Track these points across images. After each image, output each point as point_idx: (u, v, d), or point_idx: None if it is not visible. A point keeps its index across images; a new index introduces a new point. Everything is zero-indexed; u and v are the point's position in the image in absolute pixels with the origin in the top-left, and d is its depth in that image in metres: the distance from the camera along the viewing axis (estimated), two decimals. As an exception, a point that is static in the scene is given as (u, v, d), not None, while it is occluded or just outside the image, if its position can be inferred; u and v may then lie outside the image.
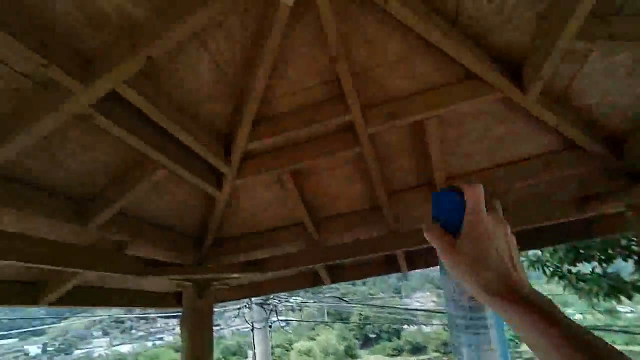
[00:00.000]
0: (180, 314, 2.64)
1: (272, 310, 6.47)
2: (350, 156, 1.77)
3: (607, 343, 0.38)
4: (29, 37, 0.85)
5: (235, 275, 2.42)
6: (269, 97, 1.51)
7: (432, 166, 1.69)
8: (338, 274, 2.81)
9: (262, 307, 6.39)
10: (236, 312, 6.76)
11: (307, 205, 2.02)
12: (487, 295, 0.45)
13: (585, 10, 0.99)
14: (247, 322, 6.55)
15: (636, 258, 4.61)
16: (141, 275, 1.92)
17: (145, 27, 1.03)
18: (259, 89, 1.39)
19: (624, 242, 4.71)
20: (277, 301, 6.79)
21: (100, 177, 1.45)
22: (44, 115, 1.01)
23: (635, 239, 4.36)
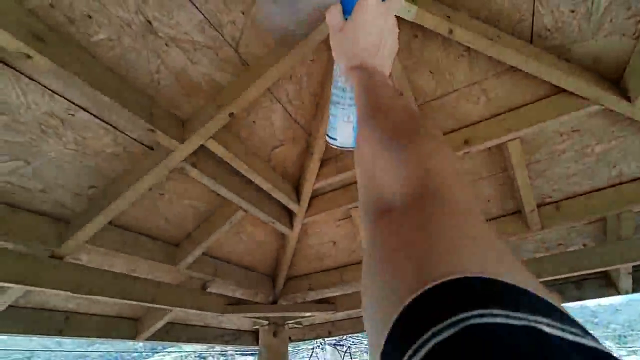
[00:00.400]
0: (256, 351, 2.67)
1: (345, 352, 6.19)
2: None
3: (393, 97, 0.44)
4: (140, 109, 1.02)
5: (308, 314, 2.40)
6: (336, 136, 1.55)
7: (519, 192, 1.52)
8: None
9: (334, 347, 6.16)
10: (309, 352, 6.61)
11: (379, 241, 1.95)
12: (345, 71, 0.54)
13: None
14: (320, 363, 6.35)
15: None
16: (221, 312, 2.01)
17: (227, 89, 1.17)
18: (324, 130, 1.44)
19: None
20: (351, 342, 6.49)
21: (189, 221, 1.60)
22: (149, 171, 1.18)
23: None
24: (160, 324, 1.96)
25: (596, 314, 39.46)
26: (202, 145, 1.22)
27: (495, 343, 0.12)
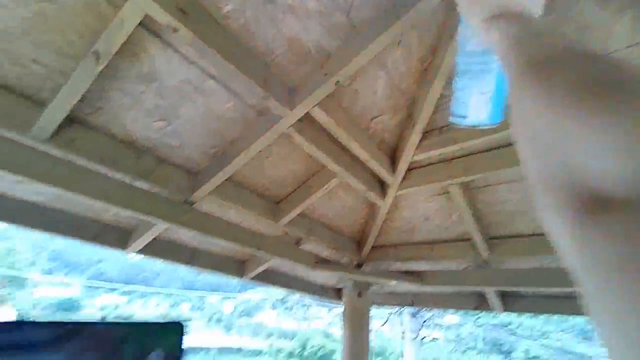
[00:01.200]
0: (332, 306, 2.87)
1: (424, 323, 6.19)
2: (540, 168, 1.46)
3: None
4: (257, 76, 1.10)
5: (392, 282, 2.43)
6: (442, 107, 1.43)
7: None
8: (512, 302, 2.39)
9: (414, 317, 6.20)
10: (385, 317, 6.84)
11: (478, 221, 1.81)
12: (483, 23, 0.42)
13: None
14: (400, 328, 6.51)
15: None
16: (312, 267, 2.19)
17: (335, 57, 1.16)
18: (432, 99, 1.34)
19: None
20: (431, 314, 6.45)
21: (289, 183, 1.73)
22: (261, 136, 1.29)
23: None
24: (261, 269, 2.25)
25: None
26: (307, 114, 1.26)
27: None
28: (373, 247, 2.32)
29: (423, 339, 6.49)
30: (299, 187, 1.76)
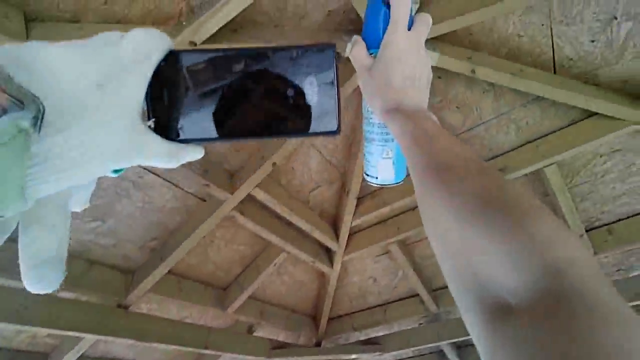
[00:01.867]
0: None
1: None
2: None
3: (452, 144, 0.37)
4: (197, 167, 1.15)
5: (354, 356, 2.32)
6: (370, 174, 1.62)
7: (564, 217, 1.48)
8: (469, 353, 2.43)
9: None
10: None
11: (420, 275, 1.92)
12: (382, 115, 0.48)
13: None
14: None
15: None
16: (267, 357, 2.01)
17: (270, 142, 1.29)
18: (360, 168, 1.51)
19: None
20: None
21: (236, 266, 1.69)
22: (203, 222, 1.29)
23: None
24: (209, 370, 1.99)
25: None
26: (248, 194, 1.32)
27: None
28: (329, 320, 2.26)
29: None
30: (246, 268, 1.72)
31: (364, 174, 0.62)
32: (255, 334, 2.05)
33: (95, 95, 0.22)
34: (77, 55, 0.22)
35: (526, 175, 1.47)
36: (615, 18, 1.02)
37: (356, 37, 0.50)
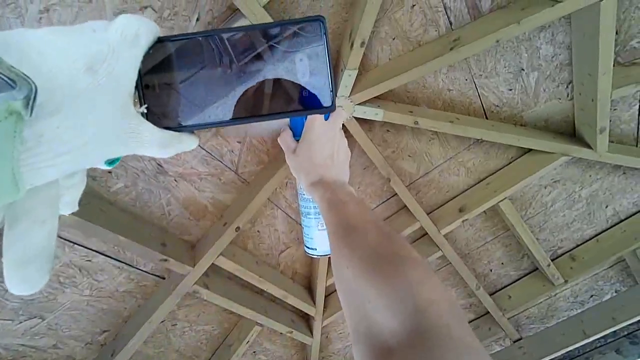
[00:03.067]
0: None
1: None
2: (434, 262, 1.68)
3: (360, 211, 0.44)
4: (153, 242, 1.08)
5: None
6: (338, 229, 1.61)
7: (529, 250, 1.52)
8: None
9: None
10: None
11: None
12: (307, 187, 0.56)
13: (605, 65, 1.04)
14: None
15: None
16: None
17: (231, 206, 1.26)
18: (327, 225, 1.51)
19: None
20: None
21: (204, 349, 1.50)
22: (163, 302, 1.17)
23: None
24: None
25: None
26: (212, 265, 1.24)
27: None
28: (317, 400, 2.00)
29: None
30: (217, 350, 1.53)
31: (305, 248, 0.65)
32: None
33: (86, 79, 0.21)
34: (65, 38, 0.21)
35: (485, 212, 1.53)
36: (523, 69, 1.20)
37: (284, 127, 0.62)
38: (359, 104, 1.22)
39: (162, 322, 1.27)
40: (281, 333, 1.66)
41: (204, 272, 1.23)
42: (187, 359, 1.45)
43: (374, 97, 1.26)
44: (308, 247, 0.64)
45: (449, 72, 1.24)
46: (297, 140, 0.60)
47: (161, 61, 0.27)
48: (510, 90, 1.25)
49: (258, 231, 1.43)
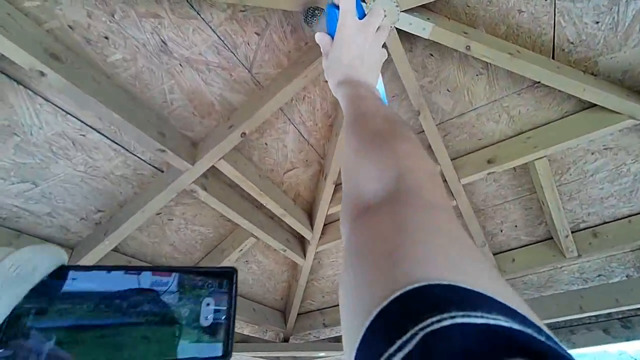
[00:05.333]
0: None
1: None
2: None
3: (377, 106, 0.45)
4: (152, 129, 1.00)
5: (322, 354, 2.21)
6: (350, 159, 1.50)
7: (550, 217, 1.40)
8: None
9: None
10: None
11: (398, 271, 1.82)
12: (333, 88, 0.57)
13: None
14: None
15: None
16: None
17: (240, 110, 1.15)
18: (339, 151, 1.39)
19: None
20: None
21: (197, 249, 1.53)
22: (158, 194, 1.13)
23: None
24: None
25: None
26: (213, 168, 1.18)
27: (452, 342, 0.13)
28: (299, 315, 2.13)
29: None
30: (209, 253, 1.56)
31: None
32: (217, 325, 1.90)
33: None
34: None
35: (514, 169, 1.39)
36: (625, -4, 0.94)
37: (321, 32, 0.61)
38: (405, 11, 1.01)
39: (158, 214, 1.27)
40: (275, 249, 1.67)
41: (203, 173, 1.17)
42: (181, 254, 1.49)
43: (425, 6, 1.04)
44: None
45: (527, -15, 0.98)
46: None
47: (49, 297, 0.25)
48: (597, 23, 1.00)
49: (265, 143, 1.34)
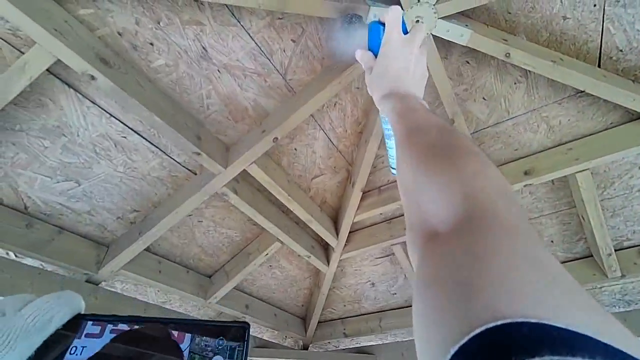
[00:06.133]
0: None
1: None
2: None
3: (428, 118, 0.43)
4: (189, 132, 1.02)
5: (342, 364, 2.17)
6: (378, 167, 1.49)
7: (592, 233, 1.33)
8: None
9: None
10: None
11: (423, 283, 1.77)
12: (379, 100, 0.55)
13: None
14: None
15: None
16: (251, 355, 1.86)
17: (272, 115, 1.16)
18: (369, 159, 1.38)
19: None
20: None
21: (224, 252, 1.55)
22: (191, 196, 1.16)
23: None
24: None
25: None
26: (243, 172, 1.19)
27: None
28: (319, 323, 2.11)
29: None
30: (235, 256, 1.58)
31: (390, 167, 0.67)
32: (238, 329, 1.91)
33: None
34: None
35: (553, 181, 1.32)
36: (683, 1, 0.89)
37: (361, 49, 0.61)
38: (443, 17, 0.99)
39: (189, 215, 1.29)
40: (299, 255, 1.67)
41: (235, 177, 1.19)
42: (208, 256, 1.51)
43: (463, 13, 1.02)
44: (393, 168, 0.66)
45: (574, -10, 0.95)
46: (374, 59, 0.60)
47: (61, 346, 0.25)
48: (649, 30, 0.95)
49: (295, 149, 1.34)
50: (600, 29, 0.99)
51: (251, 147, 1.13)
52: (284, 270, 1.80)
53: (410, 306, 1.91)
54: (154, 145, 1.09)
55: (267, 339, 2.04)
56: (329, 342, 2.17)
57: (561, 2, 0.97)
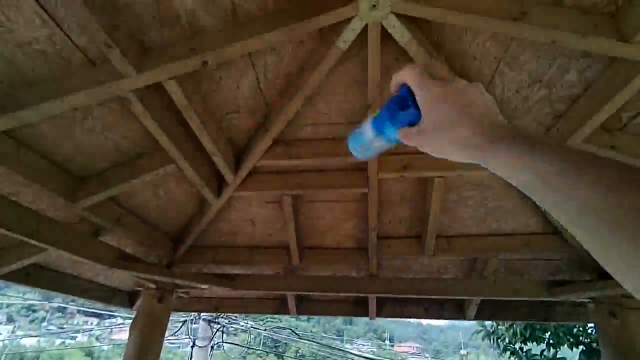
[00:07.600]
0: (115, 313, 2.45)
1: (218, 330, 6.11)
2: (353, 195, 1.82)
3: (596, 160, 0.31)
4: (103, 16, 0.86)
5: (204, 286, 2.32)
6: (294, 122, 1.56)
7: (427, 221, 1.77)
8: (305, 306, 2.76)
9: (209, 324, 6.01)
10: (179, 325, 6.32)
11: (298, 231, 2.03)
12: (469, 151, 0.41)
13: (597, 121, 1.14)
14: (189, 337, 6.11)
15: (583, 348, 4.89)
16: (111, 266, 1.80)
17: (209, 36, 1.07)
18: (289, 113, 1.43)
19: (575, 331, 5.02)
20: (227, 321, 6.44)
21: (106, 159, 1.40)
22: (83, 89, 0.99)
23: (582, 330, 4.71)
24: (23, 263, 1.65)
25: (427, 331, 48.88)
26: (158, 83, 1.08)
27: None
28: (191, 248, 2.16)
29: (213, 346, 6.44)
30: (119, 165, 1.44)
31: (349, 139, 0.61)
32: (100, 238, 1.79)
33: None
34: None
35: (418, 178, 1.68)
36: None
37: (401, 131, 0.49)
38: (395, 13, 1.08)
39: (74, 109, 1.11)
40: (190, 183, 1.64)
41: (146, 85, 1.07)
42: (84, 157, 1.33)
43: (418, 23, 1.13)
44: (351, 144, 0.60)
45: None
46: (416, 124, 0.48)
47: None
48: (518, 92, 1.28)
49: (220, 78, 1.28)
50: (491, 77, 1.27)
51: (175, 61, 1.03)
52: (169, 193, 1.75)
53: (280, 247, 2.16)
54: (47, 13, 0.87)
55: (130, 252, 1.98)
56: (193, 265, 2.26)
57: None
